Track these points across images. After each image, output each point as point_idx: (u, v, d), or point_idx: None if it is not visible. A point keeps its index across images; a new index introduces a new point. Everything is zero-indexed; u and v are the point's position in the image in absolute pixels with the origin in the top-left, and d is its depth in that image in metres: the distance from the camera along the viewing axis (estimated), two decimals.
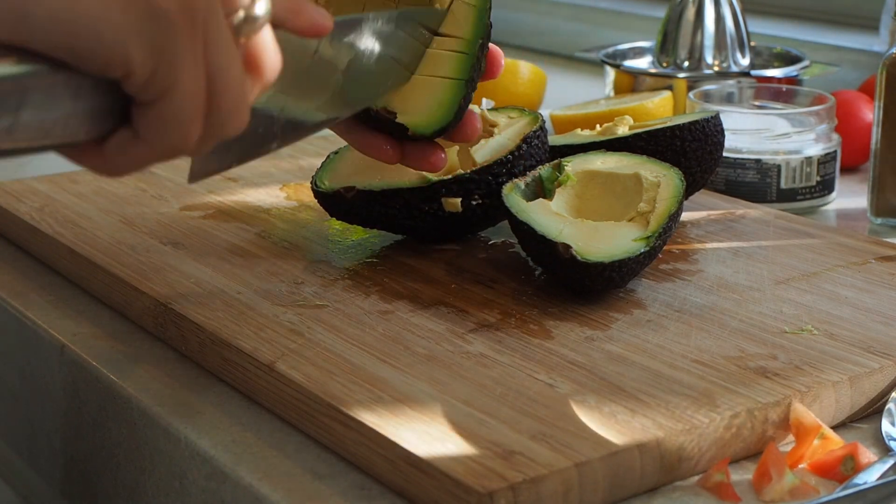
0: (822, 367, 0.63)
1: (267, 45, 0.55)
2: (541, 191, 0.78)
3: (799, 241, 0.81)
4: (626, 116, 0.89)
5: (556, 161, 0.80)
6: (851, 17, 1.48)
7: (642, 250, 0.70)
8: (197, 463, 0.61)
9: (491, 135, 0.82)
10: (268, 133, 0.64)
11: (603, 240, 0.71)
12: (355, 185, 0.79)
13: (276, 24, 0.56)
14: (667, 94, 1.11)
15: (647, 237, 0.71)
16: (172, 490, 0.64)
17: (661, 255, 0.78)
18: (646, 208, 0.74)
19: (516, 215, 0.73)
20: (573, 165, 0.79)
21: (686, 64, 1.18)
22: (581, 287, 0.71)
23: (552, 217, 0.73)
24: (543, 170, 0.79)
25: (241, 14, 0.53)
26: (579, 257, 0.69)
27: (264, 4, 0.54)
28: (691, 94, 1.01)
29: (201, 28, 0.51)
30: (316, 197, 0.80)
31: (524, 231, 0.73)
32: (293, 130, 0.66)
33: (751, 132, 0.96)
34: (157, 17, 0.49)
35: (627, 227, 0.72)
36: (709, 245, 0.81)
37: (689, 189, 0.85)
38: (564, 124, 1.08)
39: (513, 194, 0.76)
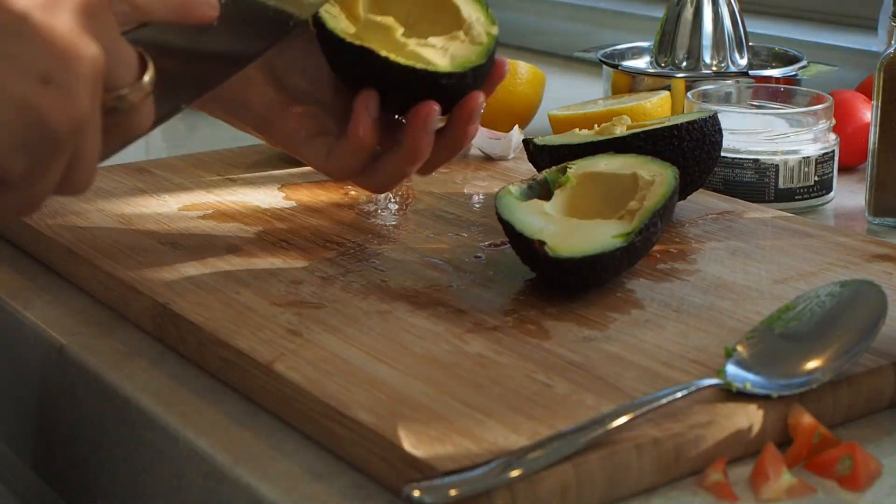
0: None
1: (145, 109, 0.56)
2: (546, 193, 0.78)
3: (797, 241, 0.81)
4: (624, 116, 0.89)
5: (562, 164, 0.80)
6: (849, 18, 1.48)
7: (618, 246, 0.70)
8: (195, 462, 0.61)
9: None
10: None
11: (581, 237, 0.71)
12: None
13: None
14: (665, 94, 1.11)
15: (627, 234, 0.71)
16: (171, 489, 0.64)
17: (658, 255, 0.78)
18: (635, 206, 0.74)
19: (500, 214, 0.74)
20: (577, 167, 0.79)
21: (684, 64, 1.18)
22: (557, 284, 0.72)
23: (539, 216, 0.74)
24: (549, 173, 0.79)
25: (123, 92, 0.54)
26: (551, 253, 0.69)
27: (148, 78, 0.55)
28: (689, 94, 1.01)
29: (81, 136, 0.52)
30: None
31: (507, 229, 0.73)
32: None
33: (749, 132, 0.96)
34: (46, 137, 0.51)
35: (612, 224, 0.72)
36: (707, 245, 0.81)
37: (687, 189, 0.85)
38: (563, 124, 1.08)
39: (507, 196, 0.76)
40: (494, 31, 0.76)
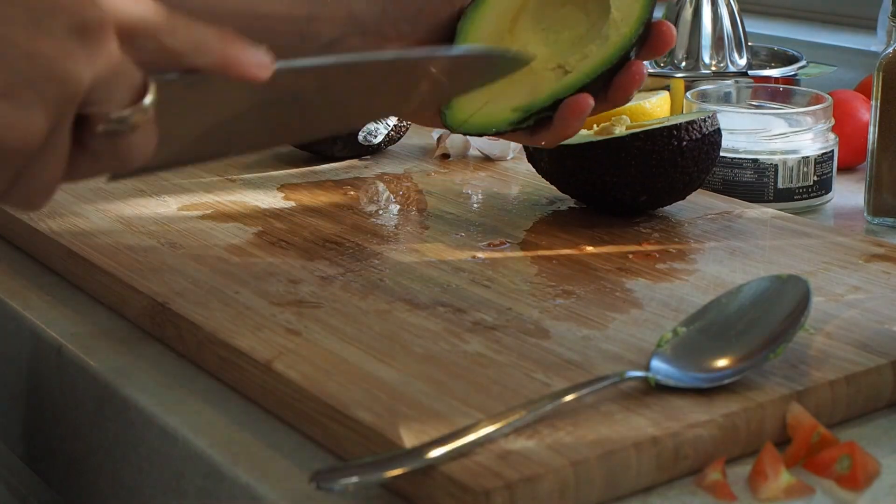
0: (818, 366, 0.63)
1: (140, 140, 0.53)
2: None
3: (796, 241, 0.81)
4: (624, 116, 0.89)
5: None
6: (849, 18, 1.48)
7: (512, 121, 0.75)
8: (194, 462, 0.61)
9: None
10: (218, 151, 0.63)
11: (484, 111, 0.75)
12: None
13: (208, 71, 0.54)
14: (664, 93, 1.11)
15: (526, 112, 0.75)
16: (170, 489, 0.64)
17: (657, 255, 0.78)
18: (578, 60, 0.77)
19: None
20: None
21: (683, 64, 1.18)
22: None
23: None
24: None
25: (123, 114, 0.51)
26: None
27: (148, 102, 0.52)
28: (689, 94, 1.01)
29: (31, 155, 0.50)
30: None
31: None
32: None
33: (748, 132, 0.96)
34: None
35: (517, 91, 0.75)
36: (706, 245, 0.81)
37: (687, 189, 0.85)
38: None
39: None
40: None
